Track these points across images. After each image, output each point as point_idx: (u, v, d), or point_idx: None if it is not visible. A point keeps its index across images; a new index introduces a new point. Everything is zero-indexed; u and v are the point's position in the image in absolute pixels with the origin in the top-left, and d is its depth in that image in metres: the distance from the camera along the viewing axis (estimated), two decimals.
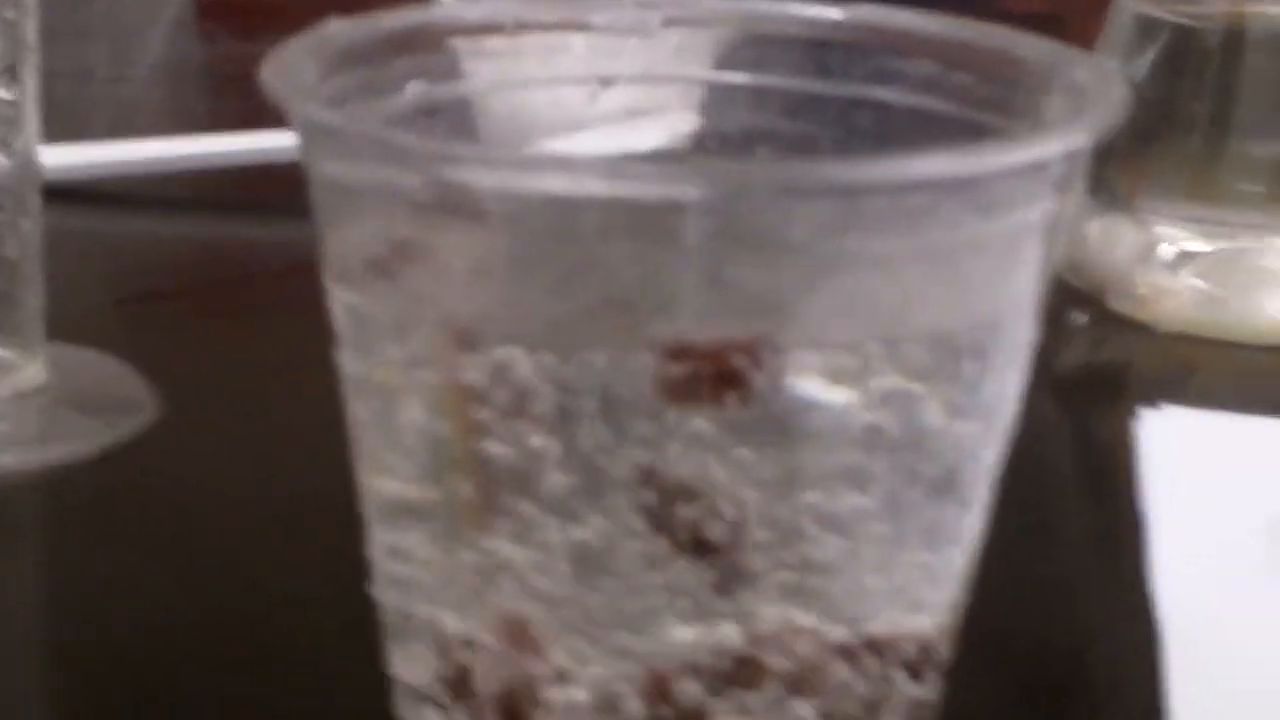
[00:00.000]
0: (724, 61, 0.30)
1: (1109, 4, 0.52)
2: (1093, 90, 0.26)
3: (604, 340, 0.24)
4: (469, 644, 0.26)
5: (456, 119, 0.29)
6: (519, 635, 0.26)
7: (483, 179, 0.24)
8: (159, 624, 0.36)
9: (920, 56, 0.29)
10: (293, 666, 0.34)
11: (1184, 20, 0.50)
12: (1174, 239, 0.50)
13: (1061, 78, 0.27)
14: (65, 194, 0.52)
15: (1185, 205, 0.50)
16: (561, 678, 0.26)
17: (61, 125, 0.48)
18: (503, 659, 0.26)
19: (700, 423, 0.24)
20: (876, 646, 0.26)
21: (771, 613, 0.25)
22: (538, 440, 0.25)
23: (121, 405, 0.43)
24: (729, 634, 0.25)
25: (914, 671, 0.27)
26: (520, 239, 0.25)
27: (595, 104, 0.30)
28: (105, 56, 0.74)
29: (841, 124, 0.29)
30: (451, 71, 0.29)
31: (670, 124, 0.31)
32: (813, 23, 0.30)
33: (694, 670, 0.25)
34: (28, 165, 0.43)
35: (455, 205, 0.24)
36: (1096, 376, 0.50)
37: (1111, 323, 0.50)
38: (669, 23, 0.30)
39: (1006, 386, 0.27)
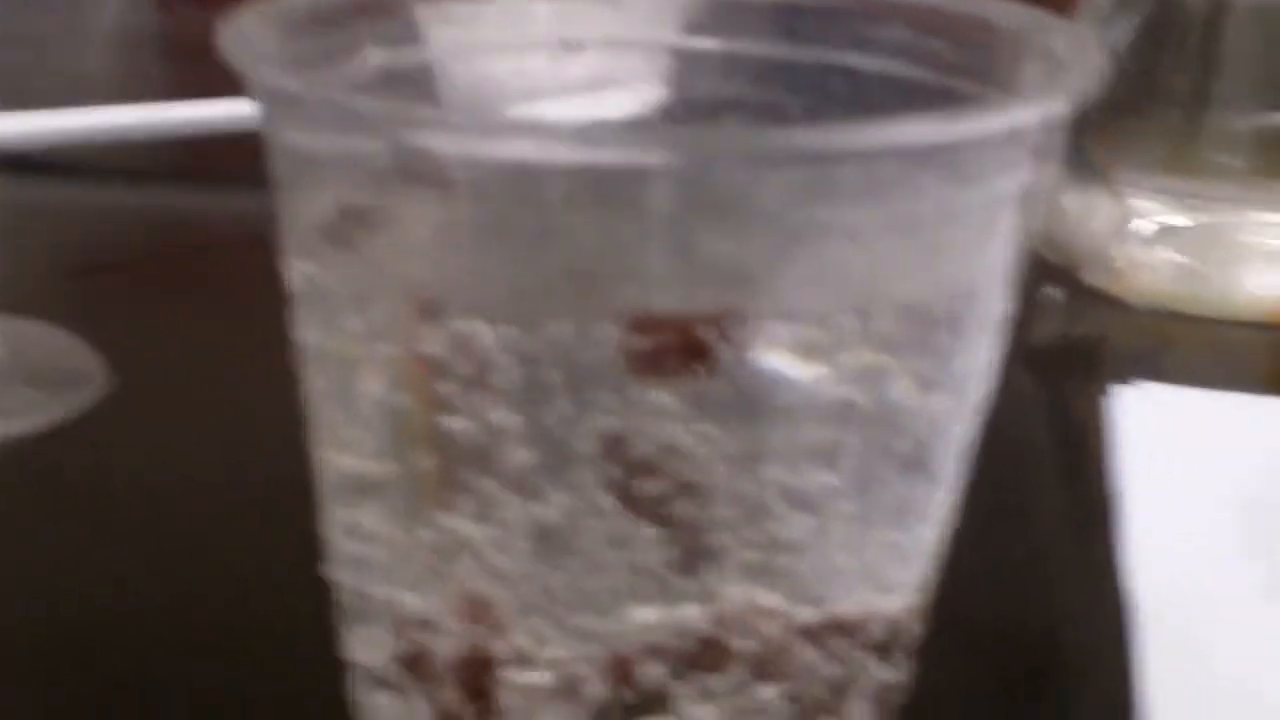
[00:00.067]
0: (693, 27, 0.30)
1: None
2: (1070, 57, 0.26)
3: (568, 311, 0.24)
4: (427, 625, 0.26)
5: (418, 87, 0.29)
6: (479, 615, 0.25)
7: (445, 145, 0.24)
8: (109, 601, 0.35)
9: (893, 22, 0.29)
10: (247, 646, 0.34)
11: None
12: (1151, 212, 0.50)
13: (1038, 44, 0.27)
14: (16, 163, 0.51)
15: (1163, 178, 0.50)
16: (522, 659, 0.25)
17: (12, 93, 0.48)
18: (462, 640, 0.26)
19: (665, 396, 0.24)
20: (844, 627, 0.26)
21: (736, 593, 0.25)
22: (499, 414, 0.24)
23: (71, 379, 0.43)
24: (692, 615, 0.25)
25: (883, 653, 0.27)
26: (484, 207, 0.24)
27: (561, 72, 0.30)
28: (58, 23, 0.74)
29: (813, 91, 0.29)
30: (412, 37, 0.29)
31: (637, 92, 0.30)
32: None
33: (657, 652, 0.25)
34: None
35: (417, 172, 0.24)
36: (1071, 352, 0.50)
37: (1087, 297, 0.50)
38: None
39: (979, 361, 0.26)
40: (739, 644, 0.25)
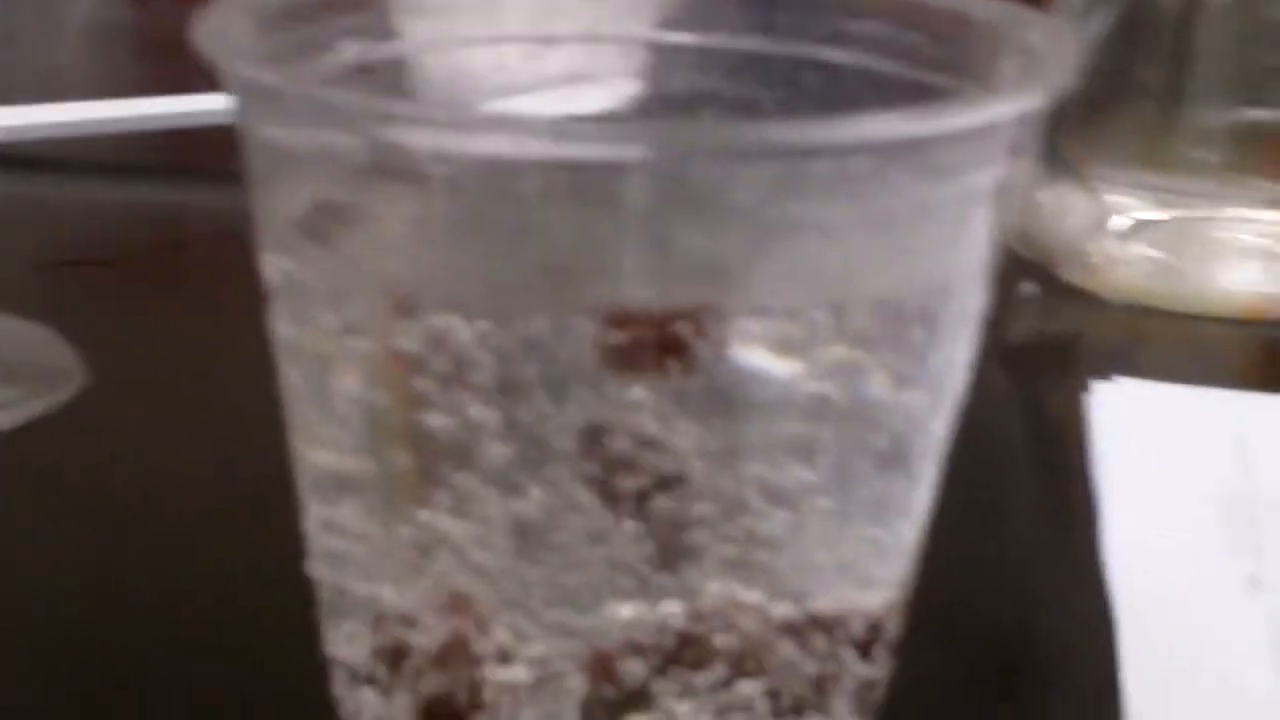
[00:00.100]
0: (668, 22, 0.30)
1: None
2: (1045, 51, 0.26)
3: (544, 307, 0.24)
4: (407, 620, 0.26)
5: (393, 81, 0.29)
6: (459, 611, 0.25)
7: (421, 139, 0.23)
8: (85, 596, 0.35)
9: (869, 16, 0.28)
10: (226, 640, 0.34)
11: None
12: (1126, 208, 0.50)
13: (1013, 39, 0.27)
14: None
15: (1138, 173, 0.50)
16: (502, 655, 0.25)
17: None
18: (442, 636, 0.25)
19: (642, 391, 0.24)
20: (824, 623, 0.26)
21: (715, 588, 0.25)
22: (476, 410, 0.24)
23: (48, 374, 0.43)
24: (671, 610, 0.25)
25: (862, 649, 0.27)
26: (459, 202, 0.24)
27: (536, 66, 0.30)
28: (31, 18, 0.74)
29: (788, 86, 0.29)
30: (387, 32, 0.29)
31: (612, 87, 0.30)
32: None
33: (637, 649, 0.25)
34: None
35: (393, 167, 0.24)
36: (1047, 347, 0.50)
37: (1063, 293, 0.50)
38: None
39: (955, 356, 0.26)
40: (719, 640, 0.25)
